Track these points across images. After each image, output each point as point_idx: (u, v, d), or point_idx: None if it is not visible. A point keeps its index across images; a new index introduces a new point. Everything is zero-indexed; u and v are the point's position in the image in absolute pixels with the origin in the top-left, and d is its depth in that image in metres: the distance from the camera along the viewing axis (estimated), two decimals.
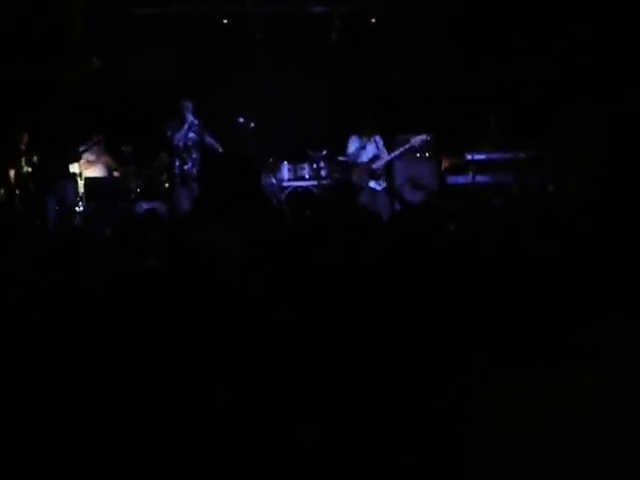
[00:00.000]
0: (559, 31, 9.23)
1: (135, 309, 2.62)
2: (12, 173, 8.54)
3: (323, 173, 10.31)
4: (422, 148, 9.39)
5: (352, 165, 8.96)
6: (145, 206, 8.91)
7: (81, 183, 9.23)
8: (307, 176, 10.39)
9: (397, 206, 9.02)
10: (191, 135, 8.94)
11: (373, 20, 10.77)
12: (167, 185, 9.39)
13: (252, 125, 10.04)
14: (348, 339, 2.36)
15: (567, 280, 2.64)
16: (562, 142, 8.57)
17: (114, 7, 9.90)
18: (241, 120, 9.98)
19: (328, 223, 4.36)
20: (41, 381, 2.24)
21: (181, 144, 8.91)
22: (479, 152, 9.12)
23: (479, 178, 8.92)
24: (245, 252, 3.38)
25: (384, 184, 8.95)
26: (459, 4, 9.85)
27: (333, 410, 2.09)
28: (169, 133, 8.92)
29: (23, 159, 8.47)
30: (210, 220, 5.19)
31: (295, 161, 10.44)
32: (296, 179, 10.41)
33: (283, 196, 10.14)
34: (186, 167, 8.96)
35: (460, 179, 9.16)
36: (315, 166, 10.30)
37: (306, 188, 10.29)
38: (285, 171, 10.42)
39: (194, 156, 9.00)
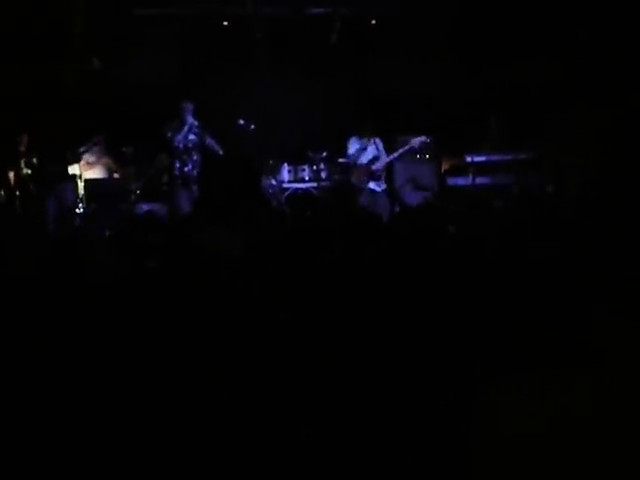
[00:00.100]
0: (559, 33, 9.24)
1: (136, 310, 2.62)
2: (12, 175, 8.54)
3: (323, 175, 10.32)
4: (422, 150, 9.40)
5: (352, 167, 8.96)
6: (145, 208, 8.90)
7: (81, 185, 9.22)
8: (307, 178, 10.40)
9: (397, 207, 9.03)
10: (191, 137, 8.95)
11: (373, 22, 10.77)
12: (167, 187, 9.39)
13: (252, 127, 10.05)
14: (349, 340, 2.36)
15: (567, 282, 2.64)
16: (562, 144, 8.57)
17: (114, 8, 9.90)
18: (241, 122, 9.99)
19: (328, 225, 4.36)
20: (42, 382, 2.24)
21: (181, 146, 8.92)
22: (479, 154, 9.11)
23: (479, 180, 8.91)
24: (246, 253, 3.38)
25: (384, 185, 8.97)
26: (460, 6, 9.85)
27: (334, 411, 2.09)
28: (169, 134, 8.93)
29: (23, 161, 8.47)
30: (211, 222, 5.19)
31: (295, 163, 10.44)
32: (296, 181, 10.42)
33: (283, 198, 10.15)
34: (186, 169, 8.97)
35: (460, 181, 9.16)
36: (315, 168, 10.32)
37: (306, 190, 10.29)
38: (285, 173, 10.43)
39: (194, 158, 9.01)
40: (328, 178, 10.27)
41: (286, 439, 2.04)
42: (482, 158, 9.07)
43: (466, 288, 2.67)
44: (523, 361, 2.13)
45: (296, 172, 10.44)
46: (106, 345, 2.39)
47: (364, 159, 8.87)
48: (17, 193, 8.50)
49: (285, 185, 10.35)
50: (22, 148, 8.52)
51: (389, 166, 9.29)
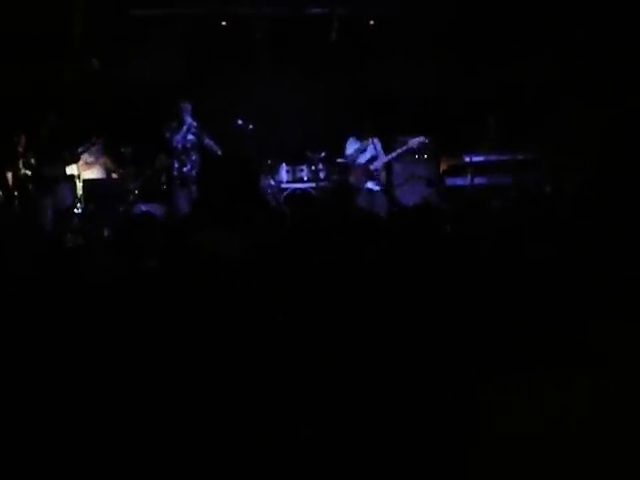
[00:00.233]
0: (557, 33, 9.24)
1: (134, 311, 2.62)
2: (10, 175, 8.53)
3: (322, 175, 10.32)
4: (420, 150, 9.41)
5: (350, 167, 8.97)
6: (144, 208, 8.89)
7: (79, 185, 9.21)
8: (306, 178, 10.39)
9: (394, 207, 9.03)
10: (190, 137, 8.94)
11: (372, 22, 10.77)
12: (166, 187, 9.39)
13: (251, 127, 10.05)
14: (348, 341, 2.36)
15: (565, 282, 2.65)
16: (560, 144, 8.57)
17: (113, 8, 9.90)
18: (240, 122, 9.99)
19: (327, 225, 4.36)
20: (40, 382, 2.24)
21: (180, 146, 8.91)
22: (477, 154, 9.11)
23: (477, 180, 8.91)
24: (246, 254, 3.38)
25: (381, 185, 8.98)
26: (458, 6, 9.85)
27: (333, 411, 2.09)
28: (168, 135, 8.92)
29: (21, 161, 8.45)
30: (209, 222, 5.19)
31: (294, 163, 10.44)
32: (295, 181, 10.41)
33: (282, 198, 10.15)
34: (185, 169, 8.96)
35: (458, 181, 9.15)
36: (314, 168, 10.32)
37: (305, 190, 10.29)
38: (284, 173, 10.42)
39: (193, 158, 9.00)
40: (326, 178, 10.27)
41: (285, 439, 2.04)
42: (480, 158, 9.06)
43: (464, 288, 2.67)
44: (521, 361, 2.14)
45: (295, 172, 10.44)
46: (104, 345, 2.39)
47: (362, 159, 8.88)
48: (15, 193, 8.49)
49: (284, 185, 10.35)
50: (20, 148, 8.50)
51: (387, 166, 9.30)
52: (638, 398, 1.83)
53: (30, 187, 8.42)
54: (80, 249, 5.35)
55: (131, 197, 9.37)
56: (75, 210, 8.98)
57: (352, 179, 8.90)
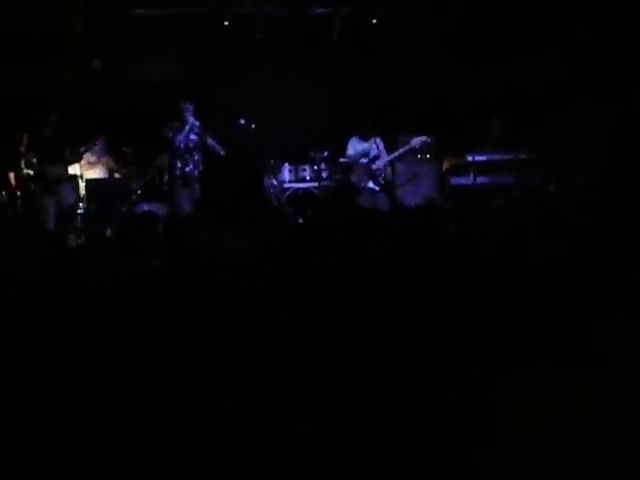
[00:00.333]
0: (561, 33, 9.23)
1: (137, 311, 2.62)
2: (12, 175, 8.54)
3: (324, 174, 10.33)
4: (423, 149, 9.41)
5: (353, 166, 8.97)
6: (146, 208, 8.90)
7: (82, 185, 9.22)
8: (308, 177, 10.40)
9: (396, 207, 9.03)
10: (192, 137, 8.95)
11: (375, 21, 10.76)
12: (168, 187, 9.39)
13: (253, 127, 10.06)
14: (350, 340, 2.36)
15: (569, 281, 2.64)
16: (564, 144, 8.56)
17: (115, 8, 9.91)
18: (242, 122, 9.99)
19: (330, 224, 4.36)
20: (42, 383, 2.23)
21: (182, 146, 8.92)
22: (481, 153, 9.11)
23: (480, 179, 8.90)
24: (249, 254, 3.37)
25: (384, 184, 8.98)
26: (461, 6, 9.85)
27: (335, 410, 2.09)
28: (170, 134, 8.93)
29: (23, 161, 8.46)
30: (212, 222, 5.19)
31: (296, 162, 10.45)
32: (297, 180, 10.43)
33: (284, 197, 10.16)
34: (187, 169, 8.97)
35: (462, 180, 9.15)
36: (316, 167, 10.33)
37: (307, 189, 10.30)
38: (286, 172, 10.43)
39: (195, 158, 9.01)
40: (329, 178, 10.28)
41: (288, 438, 2.04)
42: (483, 157, 9.06)
43: (468, 288, 2.67)
44: (524, 360, 2.13)
45: (297, 172, 10.45)
46: (107, 345, 2.39)
47: (364, 159, 8.88)
48: (18, 193, 8.50)
49: (286, 185, 10.36)
50: (22, 148, 8.50)
51: (390, 166, 9.30)
52: None
53: (32, 187, 8.43)
54: (82, 249, 5.35)
55: (133, 197, 9.38)
56: (77, 210, 8.99)
57: (355, 179, 8.91)
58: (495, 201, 7.33)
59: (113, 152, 9.76)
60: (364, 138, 8.96)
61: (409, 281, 2.77)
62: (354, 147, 8.93)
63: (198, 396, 2.17)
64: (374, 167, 8.87)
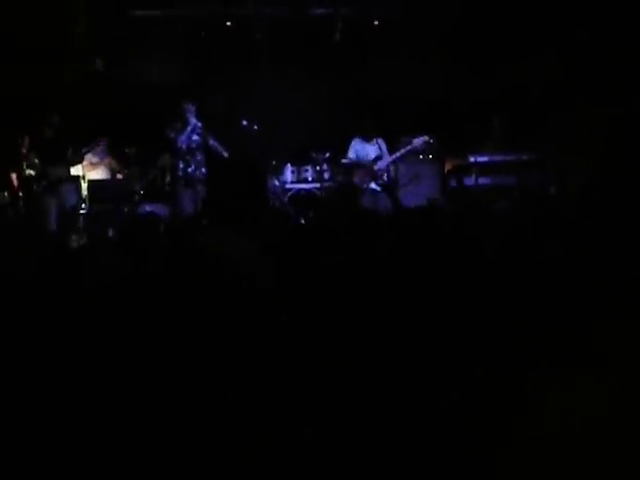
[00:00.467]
0: (561, 34, 9.24)
1: (139, 311, 2.62)
2: (14, 176, 8.54)
3: (326, 175, 10.32)
4: (425, 150, 9.42)
5: (355, 167, 8.98)
6: (148, 208, 8.91)
7: (84, 185, 9.23)
8: (310, 178, 10.40)
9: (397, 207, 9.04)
10: (195, 137, 8.95)
11: (376, 22, 10.76)
12: (170, 187, 9.39)
13: (255, 127, 10.06)
14: (352, 341, 2.36)
15: (570, 281, 2.65)
16: (565, 144, 8.56)
17: (116, 9, 9.92)
18: (244, 123, 10.00)
19: (332, 225, 4.37)
20: (44, 385, 2.24)
21: (184, 146, 8.92)
22: (481, 154, 9.12)
23: (482, 180, 8.92)
24: (251, 255, 3.37)
25: (386, 185, 8.99)
26: (462, 7, 9.85)
27: (338, 411, 2.10)
28: (172, 135, 8.93)
29: (25, 162, 8.46)
30: (215, 223, 5.20)
31: (298, 163, 10.45)
32: (299, 181, 10.43)
33: (286, 198, 10.16)
34: (189, 169, 8.97)
35: (465, 181, 9.15)
36: (318, 168, 10.33)
37: (309, 190, 10.30)
38: (288, 173, 10.43)
39: (198, 158, 9.01)
40: (331, 178, 10.28)
41: (290, 439, 2.04)
42: (485, 158, 9.07)
43: (468, 289, 2.67)
44: (525, 361, 2.14)
45: (299, 173, 10.45)
46: (109, 346, 2.40)
47: (366, 160, 8.89)
48: (20, 194, 8.50)
49: (288, 186, 10.36)
50: (24, 149, 8.51)
51: (392, 166, 9.31)
52: None
53: (34, 188, 8.44)
54: (84, 250, 5.35)
55: (136, 197, 9.39)
56: (80, 211, 8.99)
57: (357, 179, 8.92)
58: (496, 202, 7.34)
59: (115, 153, 9.77)
60: (366, 139, 8.97)
61: (411, 281, 2.78)
62: (356, 148, 8.95)
63: (201, 397, 2.18)
64: (376, 168, 8.88)
